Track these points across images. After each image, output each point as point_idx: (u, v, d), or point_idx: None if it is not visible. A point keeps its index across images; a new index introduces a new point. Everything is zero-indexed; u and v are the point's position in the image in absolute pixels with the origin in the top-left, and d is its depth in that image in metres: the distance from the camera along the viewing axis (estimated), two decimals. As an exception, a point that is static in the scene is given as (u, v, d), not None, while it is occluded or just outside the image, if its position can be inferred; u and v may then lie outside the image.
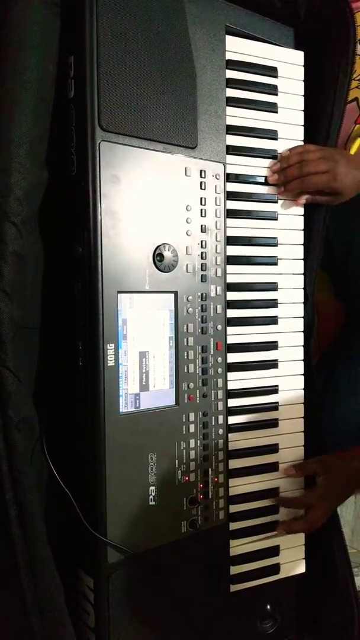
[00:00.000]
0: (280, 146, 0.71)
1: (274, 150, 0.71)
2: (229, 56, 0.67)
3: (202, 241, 0.64)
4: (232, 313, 0.68)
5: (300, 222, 0.74)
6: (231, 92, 0.67)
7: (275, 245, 0.71)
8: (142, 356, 0.60)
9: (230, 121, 0.67)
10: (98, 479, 0.56)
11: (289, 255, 0.73)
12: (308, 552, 0.75)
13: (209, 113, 0.65)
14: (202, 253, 0.64)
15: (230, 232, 0.68)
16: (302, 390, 0.74)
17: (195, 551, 0.64)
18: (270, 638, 0.73)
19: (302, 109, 0.73)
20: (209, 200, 0.65)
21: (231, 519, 0.68)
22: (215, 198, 0.66)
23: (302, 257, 0.74)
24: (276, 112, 0.71)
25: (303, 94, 0.73)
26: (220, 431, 0.66)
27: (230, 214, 0.67)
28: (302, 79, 0.73)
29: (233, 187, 0.68)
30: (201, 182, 0.64)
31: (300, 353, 0.74)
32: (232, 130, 0.67)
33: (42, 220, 0.57)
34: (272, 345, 0.71)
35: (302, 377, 0.74)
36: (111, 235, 0.56)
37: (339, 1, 0.70)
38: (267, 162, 0.70)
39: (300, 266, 0.74)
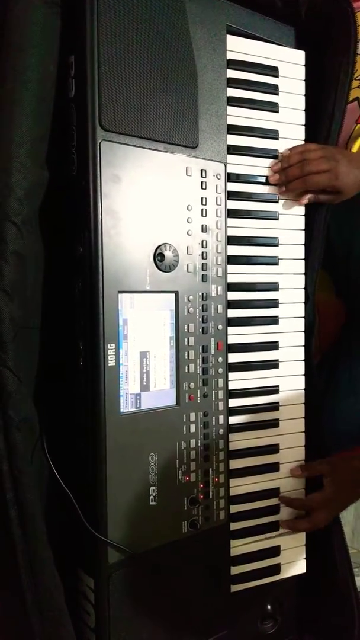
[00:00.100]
0: (281, 146, 0.71)
1: (275, 150, 0.71)
2: (229, 56, 0.67)
3: (203, 241, 0.64)
4: (232, 313, 0.68)
5: (301, 222, 0.73)
6: (232, 92, 0.67)
7: (276, 245, 0.71)
8: (143, 356, 0.60)
9: (231, 121, 0.67)
10: (98, 479, 0.56)
11: (289, 255, 0.72)
12: (309, 552, 0.75)
13: (210, 113, 0.65)
14: (202, 253, 0.64)
15: (231, 232, 0.67)
16: (303, 391, 0.74)
17: (196, 551, 0.64)
18: (270, 638, 0.73)
19: (303, 108, 0.73)
20: (209, 200, 0.65)
21: (232, 519, 0.68)
22: (216, 198, 0.65)
23: (303, 257, 0.74)
24: (277, 111, 0.71)
25: (304, 93, 0.73)
26: (221, 431, 0.66)
27: (231, 213, 0.67)
28: (303, 78, 0.73)
29: (234, 186, 0.68)
30: (202, 182, 0.64)
31: (301, 353, 0.74)
32: (233, 129, 0.67)
33: (43, 220, 0.57)
34: (273, 346, 0.71)
35: (303, 377, 0.74)
36: (112, 235, 0.56)
37: (340, 0, 0.70)
38: (268, 161, 0.70)
39: (301, 266, 0.74)
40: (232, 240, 0.68)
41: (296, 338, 0.74)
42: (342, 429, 0.87)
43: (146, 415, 0.59)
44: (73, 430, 0.60)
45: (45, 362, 0.59)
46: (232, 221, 0.67)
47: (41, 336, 0.59)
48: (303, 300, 0.74)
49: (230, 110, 0.67)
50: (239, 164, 0.68)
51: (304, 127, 0.73)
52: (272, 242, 0.71)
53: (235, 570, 0.68)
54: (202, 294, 0.64)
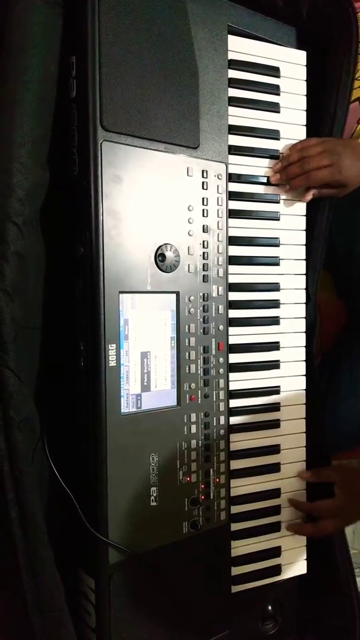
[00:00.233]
0: (282, 146, 0.71)
1: (276, 150, 0.70)
2: (231, 56, 0.67)
3: (204, 241, 0.64)
4: (233, 313, 0.68)
5: (302, 222, 0.73)
6: (233, 92, 0.67)
7: (277, 245, 0.71)
8: (144, 356, 0.60)
9: (232, 121, 0.67)
10: (99, 479, 0.56)
11: (291, 256, 0.72)
12: (309, 553, 0.75)
13: (211, 113, 0.65)
14: (204, 253, 0.64)
15: (232, 232, 0.67)
16: (304, 391, 0.74)
17: (197, 552, 0.64)
18: (271, 639, 0.73)
19: (305, 108, 0.73)
20: (210, 200, 0.65)
21: (233, 520, 0.68)
22: (217, 198, 0.65)
23: (304, 258, 0.74)
24: (278, 112, 0.71)
25: (305, 93, 0.73)
26: (222, 432, 0.66)
27: (232, 214, 0.67)
28: (305, 78, 0.72)
29: (235, 187, 0.68)
30: (203, 182, 0.64)
31: (302, 354, 0.74)
32: (234, 130, 0.67)
33: (44, 220, 0.57)
34: (274, 346, 0.71)
35: (304, 377, 0.74)
36: (113, 235, 0.56)
37: (342, 0, 0.69)
38: (270, 162, 0.70)
39: (302, 266, 0.74)
40: (233, 241, 0.67)
41: (297, 338, 0.74)
42: (343, 429, 0.87)
43: (147, 415, 0.59)
44: (74, 430, 0.60)
45: (46, 362, 0.59)
46: (233, 221, 0.67)
47: (42, 336, 0.59)
48: (304, 301, 0.74)
49: (232, 110, 0.67)
50: (240, 164, 0.68)
51: (305, 128, 0.73)
52: (273, 243, 0.71)
53: (236, 570, 0.68)
54: (203, 294, 0.64)
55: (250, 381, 0.69)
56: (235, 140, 0.67)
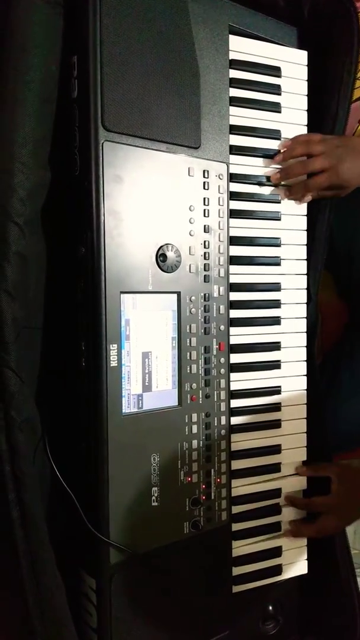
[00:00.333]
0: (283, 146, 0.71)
1: (277, 151, 0.70)
2: (232, 56, 0.67)
3: (205, 241, 0.64)
4: (235, 313, 0.68)
5: (303, 223, 0.73)
6: (234, 92, 0.67)
7: (278, 245, 0.71)
8: (145, 357, 0.60)
9: (233, 121, 0.67)
10: (100, 480, 0.56)
11: (292, 256, 0.72)
12: (310, 553, 0.75)
13: (213, 113, 0.65)
14: (205, 253, 0.64)
15: (233, 233, 0.67)
16: (305, 391, 0.74)
17: (198, 552, 0.64)
18: (272, 639, 0.73)
19: (306, 108, 0.73)
20: (212, 200, 0.65)
21: (234, 520, 0.68)
22: (219, 198, 0.65)
23: (305, 258, 0.74)
24: (279, 112, 0.71)
25: (306, 93, 0.72)
26: (223, 432, 0.66)
27: (234, 214, 0.67)
28: (306, 78, 0.72)
29: (236, 187, 0.68)
30: (204, 182, 0.64)
31: (303, 354, 0.74)
32: (236, 130, 0.67)
33: (45, 220, 0.57)
34: (275, 346, 0.71)
35: (305, 377, 0.74)
36: (114, 236, 0.56)
37: (343, 0, 0.69)
38: (271, 162, 0.70)
39: (303, 266, 0.74)
40: (234, 241, 0.67)
41: (298, 339, 0.74)
42: (344, 429, 0.87)
43: (148, 415, 0.59)
44: (75, 430, 0.60)
45: (48, 362, 0.59)
46: (234, 221, 0.67)
47: (43, 336, 0.59)
48: (305, 301, 0.74)
49: (233, 110, 0.67)
50: (242, 164, 0.68)
51: (306, 128, 0.73)
52: (274, 243, 0.71)
53: (236, 570, 0.68)
54: (205, 294, 0.64)
55: (251, 381, 0.69)
56: (237, 140, 0.67)
